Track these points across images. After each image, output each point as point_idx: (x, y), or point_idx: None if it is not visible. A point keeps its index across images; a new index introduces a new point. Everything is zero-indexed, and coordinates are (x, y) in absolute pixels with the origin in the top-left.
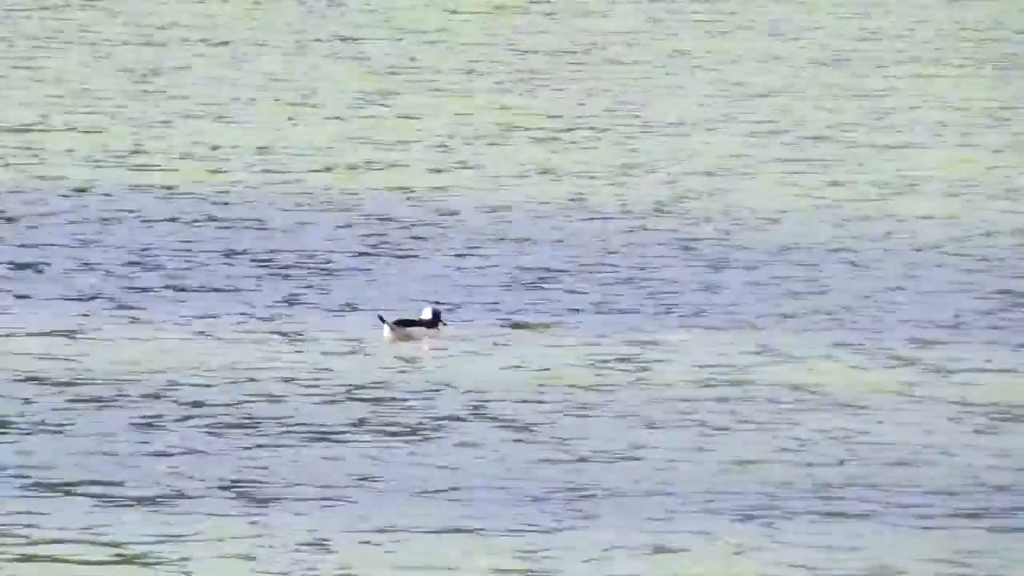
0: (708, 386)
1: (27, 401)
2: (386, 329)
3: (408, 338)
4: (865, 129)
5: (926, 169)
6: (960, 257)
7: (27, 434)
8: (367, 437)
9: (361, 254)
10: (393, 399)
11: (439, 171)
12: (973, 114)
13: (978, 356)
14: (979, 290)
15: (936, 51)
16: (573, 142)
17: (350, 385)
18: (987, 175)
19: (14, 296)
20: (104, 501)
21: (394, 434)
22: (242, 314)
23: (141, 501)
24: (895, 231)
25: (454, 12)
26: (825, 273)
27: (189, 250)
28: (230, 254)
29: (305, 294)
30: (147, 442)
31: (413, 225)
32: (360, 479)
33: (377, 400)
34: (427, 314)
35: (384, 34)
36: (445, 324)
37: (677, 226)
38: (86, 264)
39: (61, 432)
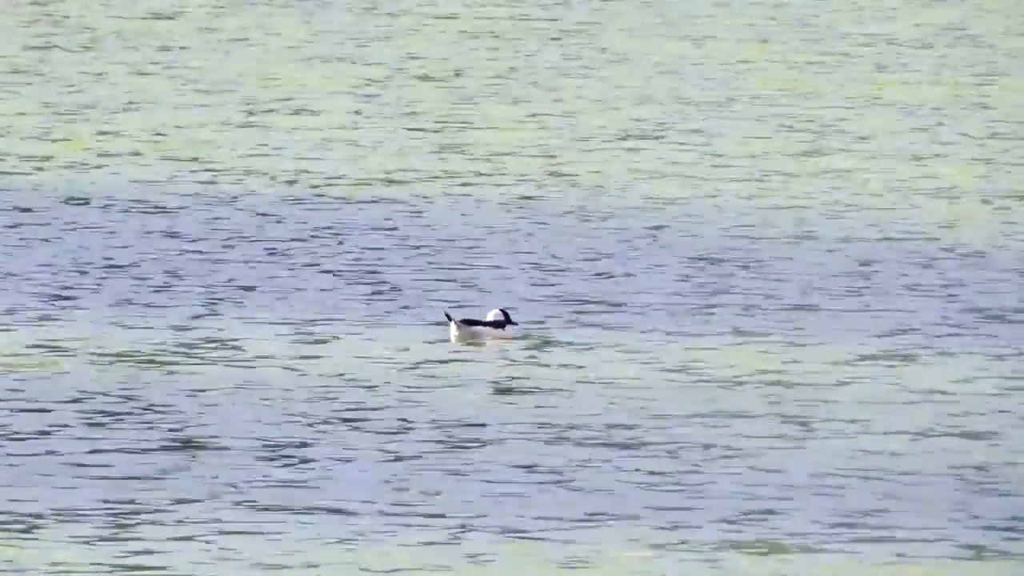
0: (775, 389)
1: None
2: (453, 327)
3: (475, 337)
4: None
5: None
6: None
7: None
8: (420, 439)
9: (420, 258)
10: (456, 401)
11: (510, 176)
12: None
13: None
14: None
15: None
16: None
17: (410, 386)
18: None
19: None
20: (145, 518)
21: (451, 439)
22: (294, 315)
23: (168, 515)
24: (888, 233)
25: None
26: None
27: (221, 256)
28: (284, 260)
29: (364, 295)
30: (175, 454)
31: (478, 228)
32: (413, 484)
33: (438, 402)
34: (492, 316)
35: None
36: (516, 324)
37: (736, 229)
38: (116, 269)
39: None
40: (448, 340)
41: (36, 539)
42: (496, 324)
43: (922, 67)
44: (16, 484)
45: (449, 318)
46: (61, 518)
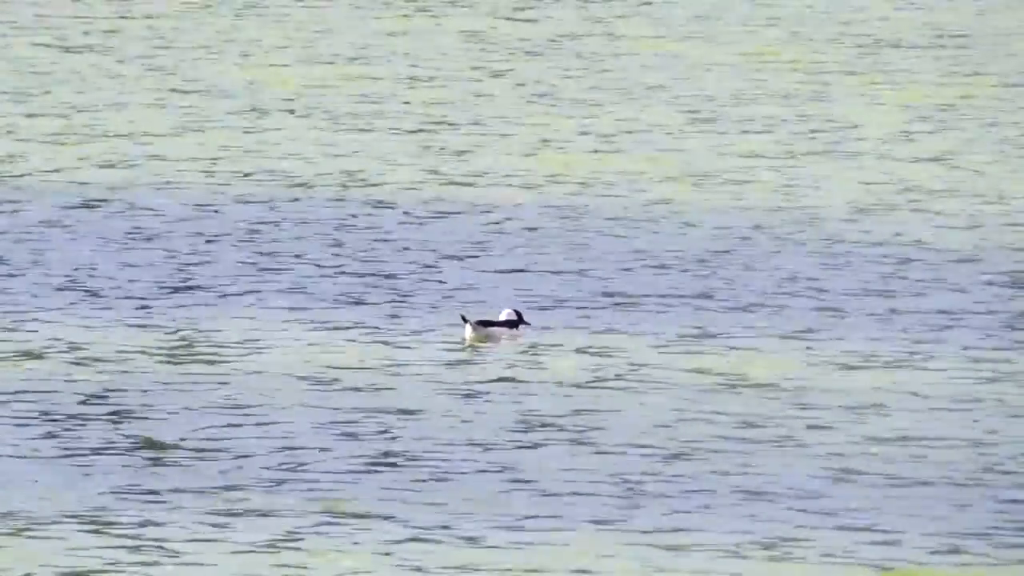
0: (771, 391)
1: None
2: (468, 328)
3: (490, 338)
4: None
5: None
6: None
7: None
8: (440, 439)
9: (437, 260)
10: (470, 400)
11: (522, 179)
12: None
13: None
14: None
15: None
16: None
17: (427, 386)
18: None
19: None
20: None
21: (471, 440)
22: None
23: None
24: (883, 231)
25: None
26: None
27: (246, 257)
28: (304, 259)
29: (383, 296)
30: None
31: (483, 229)
32: (430, 487)
33: (453, 401)
34: (504, 316)
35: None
36: (529, 324)
37: (736, 229)
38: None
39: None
40: (463, 341)
41: (33, 540)
42: (509, 324)
43: (922, 67)
44: (9, 485)
45: (464, 320)
46: (56, 519)
